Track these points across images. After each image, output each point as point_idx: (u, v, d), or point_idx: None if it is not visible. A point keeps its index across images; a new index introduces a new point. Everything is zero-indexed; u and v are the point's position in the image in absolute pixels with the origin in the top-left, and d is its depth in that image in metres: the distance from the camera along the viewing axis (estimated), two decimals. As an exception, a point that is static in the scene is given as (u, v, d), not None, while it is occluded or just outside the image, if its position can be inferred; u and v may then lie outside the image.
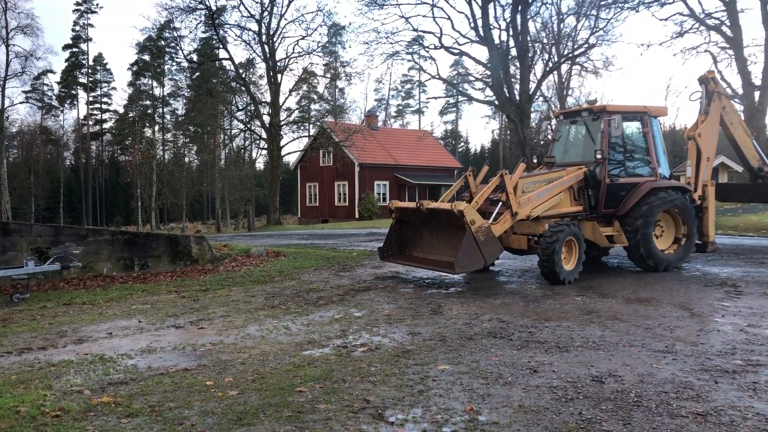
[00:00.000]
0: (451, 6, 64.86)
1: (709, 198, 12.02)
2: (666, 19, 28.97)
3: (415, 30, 30.37)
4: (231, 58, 43.39)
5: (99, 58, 75.92)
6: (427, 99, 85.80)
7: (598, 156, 10.92)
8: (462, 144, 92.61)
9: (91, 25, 73.57)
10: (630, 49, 64.12)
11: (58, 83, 72.67)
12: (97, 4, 71.15)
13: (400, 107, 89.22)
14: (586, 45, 31.59)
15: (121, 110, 74.12)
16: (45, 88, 70.06)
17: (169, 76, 66.07)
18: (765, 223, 19.26)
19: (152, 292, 10.13)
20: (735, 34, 25.40)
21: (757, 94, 24.24)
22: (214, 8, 39.66)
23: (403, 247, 11.34)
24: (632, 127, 11.73)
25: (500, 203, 10.20)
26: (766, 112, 21.85)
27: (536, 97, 36.71)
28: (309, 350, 6.20)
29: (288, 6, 40.95)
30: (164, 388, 5.04)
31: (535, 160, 12.55)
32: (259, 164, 69.81)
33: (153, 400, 4.74)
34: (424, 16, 47.66)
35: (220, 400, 4.73)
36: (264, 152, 47.91)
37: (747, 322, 7.01)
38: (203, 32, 47.27)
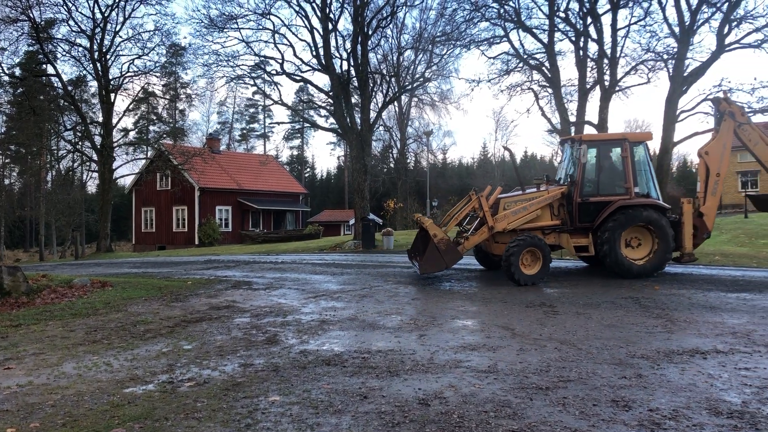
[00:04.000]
0: (294, 33, 65.25)
1: (684, 214, 13.21)
2: (495, 58, 31.05)
3: (257, 55, 30.01)
4: (59, 75, 40.37)
5: None
6: (270, 124, 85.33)
7: (568, 180, 13.12)
8: (308, 169, 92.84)
9: None
10: (463, 85, 68.13)
11: None
12: None
13: (245, 131, 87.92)
14: (422, 78, 33.08)
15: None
16: None
17: (-14, 91, 60.22)
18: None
19: (-48, 329, 9.04)
20: (553, 74, 27.81)
21: (572, 129, 26.61)
22: (39, 21, 36.86)
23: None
24: (613, 153, 13.39)
25: (478, 219, 12.86)
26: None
27: (377, 125, 37.81)
28: (131, 387, 5.82)
29: (123, 23, 38.58)
30: (-45, 440, 4.49)
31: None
32: (91, 187, 65.43)
33: (-61, 455, 4.21)
34: (266, 42, 47.26)
35: (21, 449, 4.29)
36: (95, 175, 44.87)
37: (560, 340, 7.57)
38: (28, 45, 43.64)
